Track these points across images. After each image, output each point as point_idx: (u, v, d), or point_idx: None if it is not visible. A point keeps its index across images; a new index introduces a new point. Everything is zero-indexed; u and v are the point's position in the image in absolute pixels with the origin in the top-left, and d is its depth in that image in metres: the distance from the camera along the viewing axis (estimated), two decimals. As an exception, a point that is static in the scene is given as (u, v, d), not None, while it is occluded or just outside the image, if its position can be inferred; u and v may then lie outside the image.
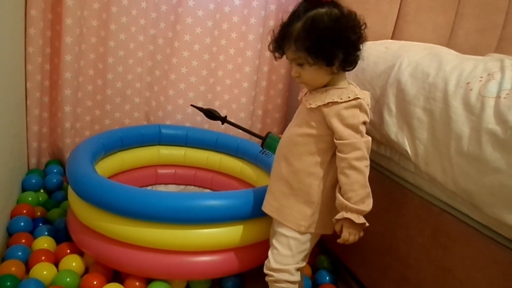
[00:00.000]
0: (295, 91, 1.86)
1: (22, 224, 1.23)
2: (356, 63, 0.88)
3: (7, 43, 1.25)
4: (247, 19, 1.68)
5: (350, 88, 0.87)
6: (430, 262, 0.90)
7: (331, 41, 0.83)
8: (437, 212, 0.90)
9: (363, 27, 0.88)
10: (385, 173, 1.07)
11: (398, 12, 1.41)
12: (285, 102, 1.88)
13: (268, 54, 1.74)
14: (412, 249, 0.95)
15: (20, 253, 1.11)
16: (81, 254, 1.15)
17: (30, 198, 1.38)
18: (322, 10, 0.84)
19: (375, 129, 1.05)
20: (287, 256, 0.93)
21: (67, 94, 1.54)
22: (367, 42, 1.22)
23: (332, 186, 0.91)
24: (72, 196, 1.14)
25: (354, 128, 0.85)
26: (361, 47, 0.88)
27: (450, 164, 0.83)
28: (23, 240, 1.17)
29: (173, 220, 1.03)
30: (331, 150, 0.89)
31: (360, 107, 0.85)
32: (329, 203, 0.92)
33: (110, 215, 1.04)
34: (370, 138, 0.86)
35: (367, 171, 0.86)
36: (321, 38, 0.83)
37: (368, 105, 0.87)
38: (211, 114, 1.29)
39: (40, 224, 1.27)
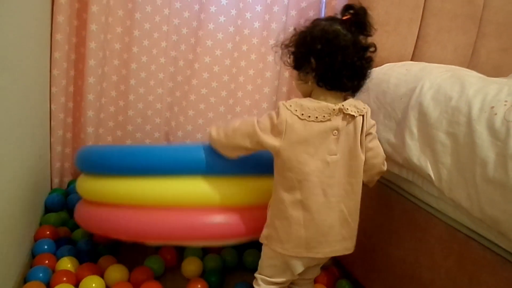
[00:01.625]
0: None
1: (46, 247, 1.25)
2: (334, 84, 0.89)
3: (33, 66, 1.29)
4: (265, 40, 1.70)
5: (307, 100, 0.90)
6: (456, 290, 0.87)
7: (303, 47, 0.89)
8: (463, 239, 0.87)
9: (347, 49, 0.87)
10: (408, 197, 1.05)
11: (418, 33, 1.40)
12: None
13: (287, 74, 1.76)
14: (436, 276, 0.92)
15: (41, 274, 1.12)
16: (101, 275, 1.16)
17: (53, 220, 1.40)
18: (322, 22, 0.90)
19: (397, 152, 1.03)
20: (260, 263, 1.00)
21: (89, 115, 1.58)
22: (387, 64, 1.24)
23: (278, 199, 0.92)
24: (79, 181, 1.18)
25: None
26: (342, 72, 0.88)
27: (476, 190, 0.81)
28: (46, 261, 1.18)
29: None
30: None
31: (278, 108, 0.89)
32: (281, 218, 0.92)
33: (112, 180, 1.07)
34: (255, 121, 0.91)
35: (222, 135, 0.97)
36: (298, 43, 0.90)
37: (300, 114, 0.87)
38: None
39: (64, 245, 1.28)
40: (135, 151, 1.10)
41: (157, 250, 1.31)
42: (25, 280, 1.12)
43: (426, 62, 1.28)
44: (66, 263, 1.18)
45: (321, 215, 0.90)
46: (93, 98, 1.57)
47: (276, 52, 0.94)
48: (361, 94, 1.21)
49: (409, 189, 1.06)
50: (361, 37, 0.90)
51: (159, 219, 1.03)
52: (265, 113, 0.92)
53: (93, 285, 1.10)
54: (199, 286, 1.17)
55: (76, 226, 1.40)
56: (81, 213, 1.16)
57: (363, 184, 0.97)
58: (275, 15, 1.67)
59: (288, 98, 1.80)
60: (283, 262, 0.95)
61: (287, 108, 0.88)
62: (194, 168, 1.04)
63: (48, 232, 1.31)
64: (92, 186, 1.12)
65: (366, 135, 0.93)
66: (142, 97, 1.68)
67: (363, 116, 0.92)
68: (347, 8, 0.90)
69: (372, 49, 0.91)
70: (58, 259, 1.21)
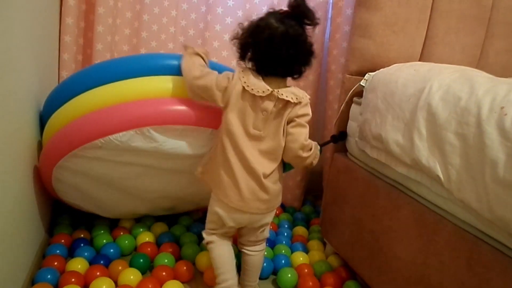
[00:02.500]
0: (321, 99, 1.85)
1: (58, 251, 1.26)
2: (268, 71, 1.01)
3: (41, 67, 1.29)
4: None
5: (255, 76, 1.01)
6: (465, 292, 0.86)
7: (242, 40, 1.02)
8: (472, 240, 0.87)
9: (273, 40, 0.97)
10: (416, 198, 1.05)
11: (426, 33, 1.40)
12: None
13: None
14: (445, 278, 0.92)
15: (49, 276, 1.12)
16: (111, 277, 1.17)
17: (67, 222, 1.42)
18: (261, 17, 1.01)
19: (405, 153, 1.03)
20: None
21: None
22: (395, 65, 1.24)
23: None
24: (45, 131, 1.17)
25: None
26: (270, 62, 0.99)
27: (485, 191, 0.80)
28: (56, 263, 1.19)
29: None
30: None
31: (233, 74, 1.02)
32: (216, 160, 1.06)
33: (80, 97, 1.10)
34: (215, 79, 1.02)
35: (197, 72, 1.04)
36: (239, 37, 1.03)
37: (243, 82, 0.99)
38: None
39: (82, 245, 1.32)
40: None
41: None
42: (33, 281, 1.12)
43: (434, 62, 1.27)
44: (76, 264, 1.19)
45: (236, 172, 1.03)
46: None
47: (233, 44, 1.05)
48: (369, 94, 1.22)
49: (417, 190, 1.05)
50: (306, 27, 1.00)
51: (118, 110, 1.06)
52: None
53: (103, 287, 1.10)
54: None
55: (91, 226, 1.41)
56: (44, 153, 1.13)
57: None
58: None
59: (297, 84, 1.80)
60: (215, 214, 1.08)
61: (239, 76, 1.00)
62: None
63: (63, 241, 1.33)
64: (52, 120, 1.14)
65: (290, 121, 1.03)
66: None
67: (297, 104, 1.02)
68: (289, 2, 1.00)
69: (302, 37, 0.99)
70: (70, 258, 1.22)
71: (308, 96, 1.05)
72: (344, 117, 1.39)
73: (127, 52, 1.61)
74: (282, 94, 0.99)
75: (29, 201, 1.14)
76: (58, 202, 1.46)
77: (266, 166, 1.04)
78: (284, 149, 1.05)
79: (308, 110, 1.05)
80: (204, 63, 1.09)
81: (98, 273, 1.16)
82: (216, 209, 1.07)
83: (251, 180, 1.03)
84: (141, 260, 1.26)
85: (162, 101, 1.08)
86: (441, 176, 0.92)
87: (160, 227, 1.50)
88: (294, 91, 1.02)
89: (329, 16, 1.74)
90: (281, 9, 1.00)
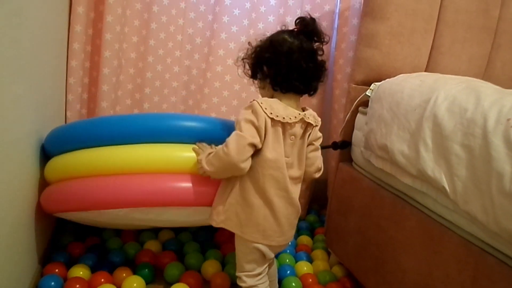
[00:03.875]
0: (326, 108, 1.86)
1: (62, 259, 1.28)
2: (287, 87, 0.97)
3: (49, 74, 1.31)
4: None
5: (275, 101, 0.96)
6: (471, 305, 0.86)
7: (256, 58, 1.00)
8: (478, 252, 0.86)
9: (292, 54, 0.95)
10: (422, 209, 1.04)
11: (432, 43, 1.40)
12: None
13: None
14: (451, 290, 0.91)
15: (53, 283, 1.13)
16: (115, 283, 1.17)
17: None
18: (273, 34, 1.00)
19: (411, 164, 1.02)
20: (237, 262, 1.05)
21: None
22: (401, 75, 1.24)
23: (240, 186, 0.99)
24: (48, 167, 1.14)
25: (237, 123, 0.95)
26: (290, 75, 0.96)
27: (492, 203, 0.79)
28: (57, 270, 1.19)
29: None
30: None
31: (252, 108, 0.93)
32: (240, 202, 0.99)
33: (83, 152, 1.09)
34: (244, 135, 0.92)
35: (222, 155, 0.93)
36: (252, 55, 1.01)
37: (269, 112, 0.93)
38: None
39: (94, 253, 1.33)
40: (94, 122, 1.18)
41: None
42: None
43: (440, 73, 1.28)
44: (78, 271, 1.19)
45: (277, 207, 0.98)
46: (107, 106, 1.59)
47: (238, 67, 1.03)
48: (374, 104, 1.22)
49: (422, 201, 1.04)
50: (316, 44, 1.00)
51: (124, 184, 1.03)
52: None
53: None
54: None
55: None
56: (47, 195, 1.11)
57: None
58: (288, 25, 1.67)
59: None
60: (256, 251, 1.01)
61: (262, 108, 0.93)
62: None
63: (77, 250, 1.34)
64: (59, 163, 1.12)
65: (308, 145, 1.03)
66: (156, 105, 1.70)
67: (316, 126, 1.02)
68: (298, 19, 1.00)
69: (320, 52, 1.00)
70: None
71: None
72: (350, 127, 1.39)
73: (135, 59, 1.62)
74: (308, 118, 0.98)
75: (26, 231, 1.10)
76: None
77: (297, 192, 1.03)
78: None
79: (319, 132, 1.06)
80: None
81: (102, 280, 1.16)
82: (256, 246, 1.00)
83: (290, 211, 1.01)
84: (146, 270, 1.25)
85: (167, 179, 1.05)
86: (447, 188, 0.91)
87: (167, 234, 1.51)
88: (313, 113, 1.01)
89: (336, 25, 1.74)
90: (293, 28, 1.00)
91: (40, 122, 1.17)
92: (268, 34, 1.01)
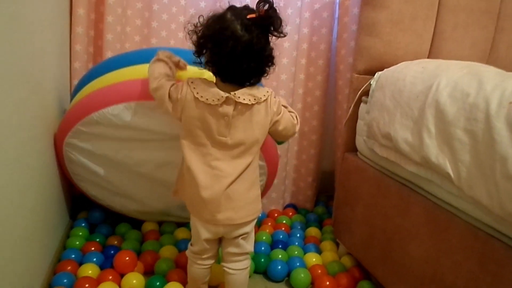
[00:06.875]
0: (330, 99, 1.85)
1: (73, 256, 1.30)
2: (226, 78, 0.96)
3: (52, 76, 1.32)
4: (280, 44, 1.69)
5: (207, 83, 0.97)
6: (479, 290, 0.85)
7: (201, 39, 0.95)
8: (484, 238, 0.86)
9: (235, 52, 0.91)
10: (427, 196, 1.04)
11: (434, 29, 1.38)
12: (322, 110, 1.87)
13: (302, 76, 1.75)
14: (459, 276, 0.91)
15: (65, 280, 1.15)
16: (117, 282, 1.19)
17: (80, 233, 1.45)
18: (227, 17, 0.92)
19: (414, 151, 1.02)
20: None
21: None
22: (403, 63, 1.23)
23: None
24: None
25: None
26: (228, 72, 0.95)
27: (496, 187, 0.79)
28: (69, 267, 1.22)
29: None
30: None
31: (183, 85, 0.98)
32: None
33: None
34: (167, 91, 0.99)
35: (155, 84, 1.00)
36: (199, 33, 0.96)
37: (192, 84, 0.96)
38: None
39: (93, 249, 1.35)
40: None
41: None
42: (50, 285, 1.15)
43: (443, 59, 1.26)
44: (87, 270, 1.22)
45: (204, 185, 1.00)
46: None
47: (188, 33, 0.98)
48: (376, 92, 1.22)
49: (428, 188, 1.04)
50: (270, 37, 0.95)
51: (110, 88, 1.16)
52: None
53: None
54: None
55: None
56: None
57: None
58: (289, 17, 1.67)
59: (304, 100, 1.80)
60: (198, 230, 1.05)
61: (188, 85, 0.97)
62: None
63: (93, 248, 1.37)
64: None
65: (274, 123, 1.02)
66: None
67: (261, 103, 0.99)
68: (260, 3, 0.91)
69: (265, 52, 0.94)
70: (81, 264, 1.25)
71: (269, 90, 1.01)
72: (354, 117, 1.39)
73: (138, 42, 1.63)
74: (238, 97, 0.95)
75: (47, 204, 1.18)
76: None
77: (236, 169, 1.00)
78: (278, 136, 1.07)
79: (277, 102, 1.02)
80: (164, 71, 1.03)
81: (110, 277, 1.18)
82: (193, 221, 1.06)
83: (217, 190, 0.99)
84: (158, 284, 1.23)
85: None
86: (451, 174, 0.91)
87: (182, 232, 1.51)
88: (252, 92, 0.97)
89: (336, 16, 1.74)
90: (246, 9, 0.94)
91: (44, 123, 1.20)
92: (222, 15, 0.94)
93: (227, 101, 0.95)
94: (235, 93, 0.95)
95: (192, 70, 1.12)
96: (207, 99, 0.95)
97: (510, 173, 0.76)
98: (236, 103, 0.96)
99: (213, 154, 0.99)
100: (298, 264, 1.37)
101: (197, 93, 0.95)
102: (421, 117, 1.01)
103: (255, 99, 0.97)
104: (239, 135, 0.99)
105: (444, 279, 0.95)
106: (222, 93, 0.95)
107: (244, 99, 0.96)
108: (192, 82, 0.97)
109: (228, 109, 0.96)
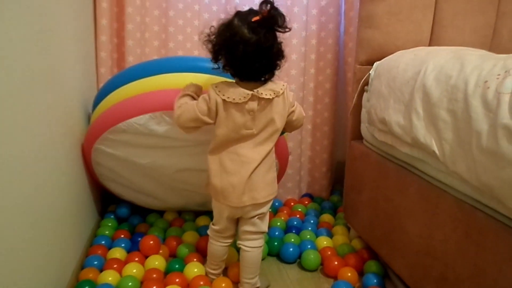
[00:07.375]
0: (341, 91, 1.91)
1: (103, 242, 1.44)
2: (243, 78, 1.08)
3: (78, 83, 1.47)
4: (288, 41, 1.77)
5: (230, 84, 1.08)
6: (465, 260, 0.91)
7: (216, 46, 1.07)
8: (469, 210, 0.91)
9: (247, 54, 1.02)
10: (421, 175, 1.10)
11: (434, 18, 1.43)
12: (332, 112, 1.94)
13: (312, 71, 1.83)
14: (448, 248, 0.97)
15: (96, 262, 1.29)
16: (142, 263, 1.31)
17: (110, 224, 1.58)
18: (235, 23, 1.03)
19: (406, 133, 1.08)
20: None
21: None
22: (399, 52, 1.29)
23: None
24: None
25: None
26: (243, 72, 1.08)
27: (473, 161, 0.85)
28: (99, 252, 1.36)
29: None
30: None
31: (209, 92, 1.08)
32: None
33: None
34: (195, 106, 1.09)
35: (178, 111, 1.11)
36: (213, 41, 1.07)
37: (222, 95, 1.06)
38: None
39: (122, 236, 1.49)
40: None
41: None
42: (82, 266, 1.29)
43: (444, 46, 1.30)
44: (116, 253, 1.35)
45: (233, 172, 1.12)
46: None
47: (203, 43, 1.09)
48: (374, 81, 1.28)
49: (421, 168, 1.10)
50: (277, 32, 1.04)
51: (137, 99, 1.25)
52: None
53: (134, 270, 1.26)
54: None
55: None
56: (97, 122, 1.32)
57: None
58: (295, 16, 1.76)
59: (316, 93, 1.88)
60: (220, 211, 1.19)
61: (214, 90, 1.07)
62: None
63: (122, 235, 1.49)
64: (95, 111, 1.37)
65: (289, 114, 1.15)
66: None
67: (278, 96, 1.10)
68: (262, 4, 1.01)
69: (274, 48, 1.05)
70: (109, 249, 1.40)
71: (285, 83, 1.13)
72: (358, 106, 1.45)
73: (157, 47, 1.75)
74: (261, 94, 1.07)
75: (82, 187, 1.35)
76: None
77: (260, 155, 1.13)
78: (290, 126, 1.20)
79: (292, 94, 1.15)
80: (188, 100, 1.13)
81: (136, 259, 1.31)
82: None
83: (243, 174, 1.11)
84: (177, 266, 1.33)
85: (175, 90, 1.20)
86: (437, 151, 0.97)
87: (203, 220, 1.62)
88: (272, 87, 1.09)
89: (342, 10, 1.80)
90: (251, 12, 1.03)
91: (69, 126, 1.32)
92: (229, 21, 1.04)
93: (252, 98, 1.07)
94: (257, 90, 1.07)
95: None
96: (234, 99, 1.06)
97: (483, 146, 0.81)
98: (259, 99, 1.08)
99: (240, 144, 1.12)
100: (309, 246, 1.45)
101: (223, 95, 1.06)
102: (410, 100, 1.07)
103: (274, 93, 1.09)
104: (263, 126, 1.11)
105: (437, 251, 1.01)
106: (247, 91, 1.06)
107: (266, 94, 1.08)
108: (216, 87, 1.08)
109: (253, 105, 1.08)
